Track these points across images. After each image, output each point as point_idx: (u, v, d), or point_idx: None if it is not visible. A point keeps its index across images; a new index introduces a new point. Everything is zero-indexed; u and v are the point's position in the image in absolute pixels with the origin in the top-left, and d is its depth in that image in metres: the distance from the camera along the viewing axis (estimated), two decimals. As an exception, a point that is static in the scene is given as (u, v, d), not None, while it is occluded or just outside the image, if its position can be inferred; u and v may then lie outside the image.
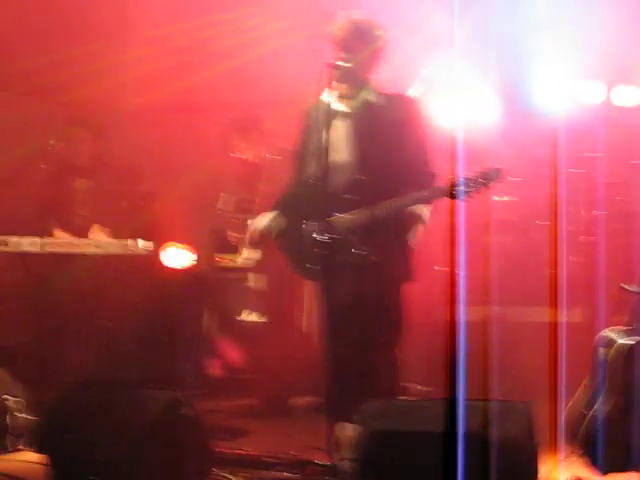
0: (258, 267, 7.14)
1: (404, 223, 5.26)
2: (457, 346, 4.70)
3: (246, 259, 7.17)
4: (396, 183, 5.20)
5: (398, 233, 5.25)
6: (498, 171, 5.02)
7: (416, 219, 5.21)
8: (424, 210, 5.20)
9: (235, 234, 7.26)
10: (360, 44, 5.17)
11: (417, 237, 5.27)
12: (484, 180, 4.97)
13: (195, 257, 7.88)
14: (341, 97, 5.27)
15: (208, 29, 7.20)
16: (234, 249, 7.54)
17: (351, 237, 5.11)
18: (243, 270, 7.47)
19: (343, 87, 5.24)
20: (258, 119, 7.21)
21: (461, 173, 4.97)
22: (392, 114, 5.21)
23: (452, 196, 4.94)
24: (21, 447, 5.59)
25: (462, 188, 4.93)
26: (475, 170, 4.98)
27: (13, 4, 7.09)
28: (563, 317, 6.69)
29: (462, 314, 5.29)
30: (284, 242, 5.50)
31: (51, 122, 7.67)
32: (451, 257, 5.46)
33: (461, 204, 4.99)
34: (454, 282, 5.57)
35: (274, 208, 5.56)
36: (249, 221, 6.97)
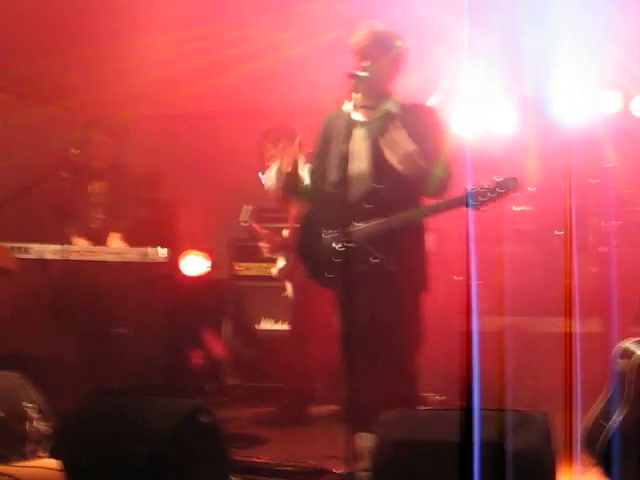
0: (287, 276, 7.17)
1: (422, 233, 5.28)
2: (473, 356, 4.70)
3: (281, 269, 7.18)
4: (414, 193, 5.22)
5: (416, 243, 5.27)
6: (515, 181, 5.03)
7: None
8: None
9: (267, 245, 7.25)
10: (380, 54, 5.20)
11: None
12: (501, 190, 4.98)
13: (212, 265, 7.91)
14: (361, 107, 5.29)
15: (231, 32, 7.20)
16: (253, 258, 7.56)
17: (369, 246, 5.13)
18: (262, 278, 7.50)
19: (363, 97, 5.26)
20: (291, 128, 7.22)
21: (478, 183, 4.99)
22: (411, 124, 5.22)
23: (469, 206, 4.96)
24: (40, 454, 5.63)
25: (479, 198, 4.94)
26: (492, 180, 5.00)
27: (30, 8, 7.10)
28: (581, 328, 6.70)
29: (475, 324, 5.30)
30: (304, 251, 5.52)
31: (71, 128, 7.68)
32: (467, 267, 5.48)
33: (478, 214, 5.01)
34: (470, 292, 5.58)
35: (299, 220, 5.59)
36: (284, 232, 7.04)
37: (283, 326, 7.54)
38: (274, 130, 7.21)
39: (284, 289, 7.22)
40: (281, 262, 7.17)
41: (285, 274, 7.14)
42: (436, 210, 5.18)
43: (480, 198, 4.95)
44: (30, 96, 8.29)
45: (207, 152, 8.62)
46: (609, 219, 7.38)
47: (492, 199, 4.98)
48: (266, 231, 7.31)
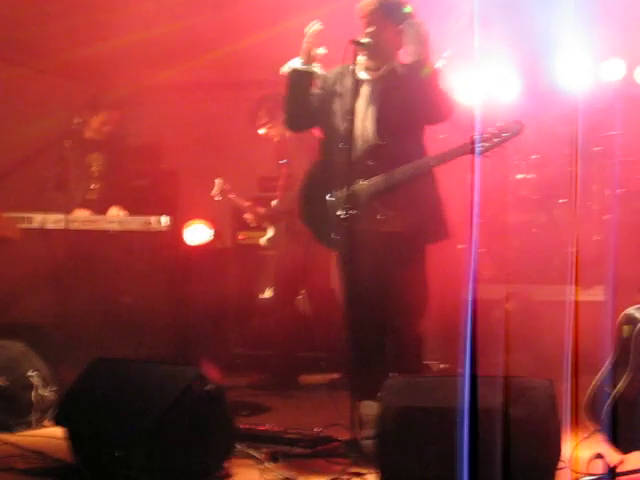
0: (276, 245, 7.19)
1: (427, 187, 5.24)
2: (475, 323, 4.70)
3: (269, 239, 7.21)
4: (417, 149, 5.20)
5: (422, 197, 5.23)
6: (519, 124, 4.99)
7: None
8: None
9: (252, 216, 7.28)
10: (387, 20, 5.17)
11: None
12: (506, 133, 4.95)
13: (215, 234, 7.91)
14: (365, 68, 5.27)
15: (233, 4, 7.18)
16: (257, 227, 7.57)
17: (375, 204, 5.10)
18: (265, 248, 7.51)
19: (367, 60, 5.24)
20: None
21: (482, 129, 4.95)
22: (414, 80, 5.16)
23: (475, 152, 4.91)
24: (46, 423, 5.65)
25: (484, 143, 4.91)
26: (496, 125, 4.96)
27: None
28: (585, 295, 6.70)
29: (471, 291, 5.29)
30: (308, 212, 5.49)
31: (74, 98, 7.66)
32: (470, 230, 5.43)
33: (482, 160, 4.97)
34: (474, 259, 5.57)
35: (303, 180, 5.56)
36: (273, 202, 7.03)
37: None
38: (270, 97, 7.21)
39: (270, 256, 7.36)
40: (270, 232, 7.19)
41: (274, 243, 7.17)
42: (441, 159, 5.13)
43: (485, 143, 4.92)
44: (32, 66, 8.27)
45: (210, 121, 8.59)
46: (612, 187, 7.36)
47: (497, 143, 4.95)
48: (249, 203, 7.32)
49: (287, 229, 7.04)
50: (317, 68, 5.34)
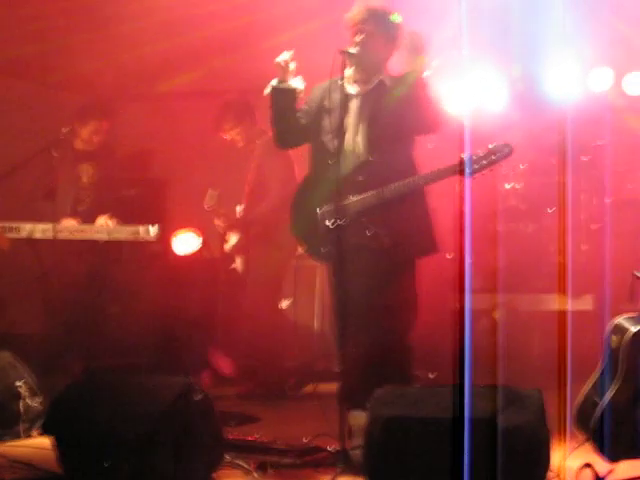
0: (238, 251, 7.22)
1: (416, 204, 5.24)
2: (465, 333, 4.70)
3: (233, 245, 7.22)
4: (408, 164, 5.20)
5: (410, 214, 5.23)
6: (509, 146, 5.00)
7: None
8: None
9: (222, 223, 7.26)
10: (374, 30, 5.17)
11: None
12: (495, 156, 4.96)
13: (204, 243, 7.90)
14: (354, 81, 5.26)
15: (219, 14, 7.18)
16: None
17: (364, 219, 5.10)
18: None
19: (355, 72, 5.22)
20: (250, 103, 7.22)
21: (472, 150, 4.95)
22: (403, 94, 5.17)
23: (464, 173, 4.92)
24: (33, 433, 5.63)
25: (473, 165, 4.92)
26: (485, 147, 4.97)
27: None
28: (574, 305, 6.71)
29: (468, 301, 5.29)
30: (298, 226, 5.50)
31: (62, 110, 7.65)
32: (460, 241, 5.44)
33: (471, 182, 4.97)
34: (463, 269, 5.57)
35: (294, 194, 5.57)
36: (237, 208, 7.04)
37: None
38: (234, 102, 7.22)
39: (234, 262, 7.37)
40: (233, 239, 7.20)
41: (237, 250, 7.19)
42: (430, 179, 5.13)
43: (474, 165, 4.93)
44: (21, 75, 8.26)
45: (199, 130, 8.59)
46: (601, 196, 7.38)
47: (486, 166, 4.96)
48: (224, 211, 7.33)
49: (253, 237, 7.06)
50: (297, 83, 5.34)
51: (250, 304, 7.25)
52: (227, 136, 7.31)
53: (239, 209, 7.19)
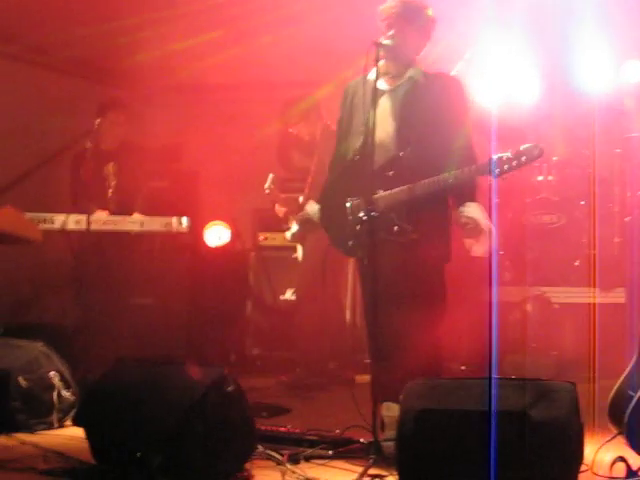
0: (300, 239, 7.26)
1: (446, 201, 5.24)
2: (493, 326, 4.69)
3: (294, 233, 7.25)
4: (438, 161, 5.19)
5: (439, 211, 5.23)
6: (539, 148, 4.97)
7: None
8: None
9: (283, 209, 7.33)
10: (408, 23, 5.17)
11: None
12: (525, 157, 4.93)
13: (236, 235, 7.94)
14: (386, 75, 5.25)
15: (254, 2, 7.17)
16: (277, 227, 7.62)
17: (393, 215, 5.10)
18: (287, 249, 7.55)
19: (387, 65, 5.22)
20: (314, 98, 7.31)
21: (502, 151, 4.94)
22: (435, 93, 5.19)
23: (493, 174, 4.91)
24: (67, 424, 5.67)
25: (503, 166, 4.90)
26: (516, 148, 4.95)
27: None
28: (607, 298, 6.68)
29: (495, 294, 5.28)
30: (327, 219, 5.51)
31: (92, 101, 7.68)
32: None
33: (501, 182, 4.97)
34: (492, 262, 5.57)
35: (323, 188, 5.59)
36: (300, 198, 7.09)
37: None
38: (297, 98, 7.29)
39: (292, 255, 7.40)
40: (294, 227, 7.23)
41: (298, 238, 7.23)
42: (461, 178, 5.12)
43: (504, 166, 4.91)
44: (53, 67, 8.30)
45: (230, 122, 8.62)
46: (633, 189, 7.33)
47: (516, 167, 4.94)
48: (284, 196, 7.38)
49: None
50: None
51: (303, 293, 7.30)
52: (293, 130, 7.43)
53: (301, 199, 7.26)
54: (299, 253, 7.33)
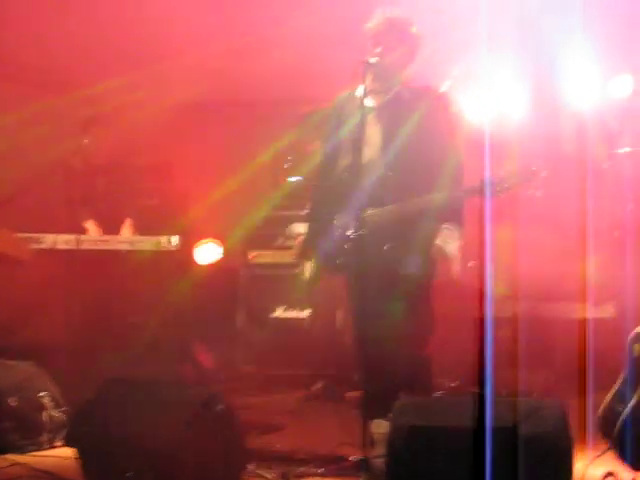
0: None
1: (434, 221, 5.24)
2: (486, 341, 4.68)
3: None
4: (427, 180, 5.18)
5: (428, 230, 5.23)
6: (532, 170, 4.97)
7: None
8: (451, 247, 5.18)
9: None
10: (394, 41, 5.18)
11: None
12: (517, 180, 4.93)
13: (226, 253, 7.94)
14: (373, 92, 5.26)
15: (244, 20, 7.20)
16: (267, 245, 7.60)
17: (381, 233, 5.11)
18: (278, 266, 7.54)
19: (374, 82, 5.22)
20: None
21: (494, 172, 4.93)
22: (422, 109, 5.19)
23: (484, 195, 4.90)
24: (57, 444, 5.65)
25: (495, 187, 4.89)
26: (508, 169, 4.95)
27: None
28: (596, 313, 6.68)
29: (489, 309, 5.28)
30: (315, 237, 5.50)
31: (78, 120, 7.68)
32: (480, 254, 5.44)
33: (492, 203, 4.96)
34: (484, 277, 5.56)
35: (308, 205, 5.59)
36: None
37: (297, 314, 7.53)
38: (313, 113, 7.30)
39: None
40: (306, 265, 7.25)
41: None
42: (451, 200, 5.11)
43: (496, 187, 4.90)
44: (42, 86, 8.29)
45: (220, 140, 8.63)
46: (622, 203, 7.34)
47: (507, 188, 4.93)
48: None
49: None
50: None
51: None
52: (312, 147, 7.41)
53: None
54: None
